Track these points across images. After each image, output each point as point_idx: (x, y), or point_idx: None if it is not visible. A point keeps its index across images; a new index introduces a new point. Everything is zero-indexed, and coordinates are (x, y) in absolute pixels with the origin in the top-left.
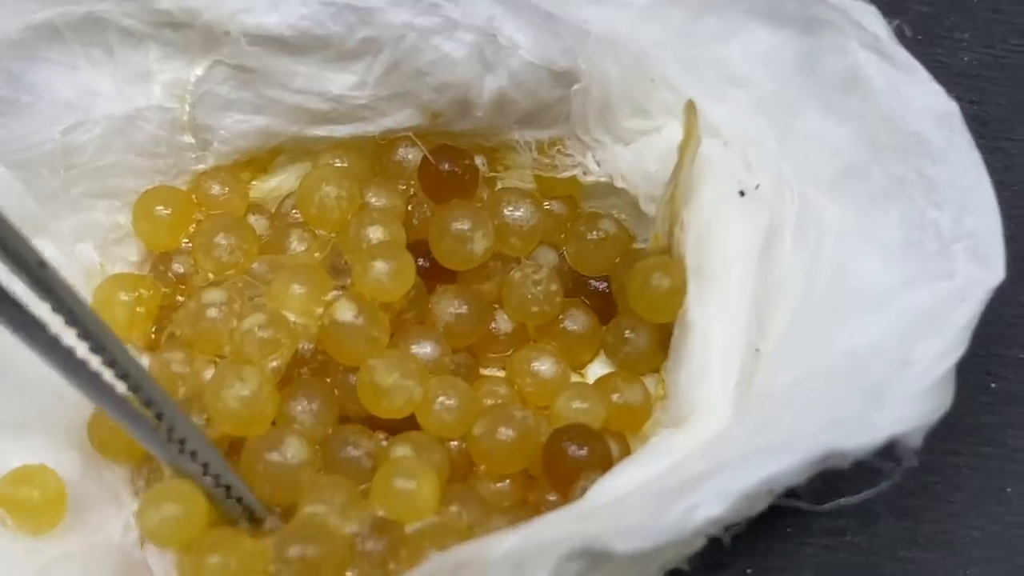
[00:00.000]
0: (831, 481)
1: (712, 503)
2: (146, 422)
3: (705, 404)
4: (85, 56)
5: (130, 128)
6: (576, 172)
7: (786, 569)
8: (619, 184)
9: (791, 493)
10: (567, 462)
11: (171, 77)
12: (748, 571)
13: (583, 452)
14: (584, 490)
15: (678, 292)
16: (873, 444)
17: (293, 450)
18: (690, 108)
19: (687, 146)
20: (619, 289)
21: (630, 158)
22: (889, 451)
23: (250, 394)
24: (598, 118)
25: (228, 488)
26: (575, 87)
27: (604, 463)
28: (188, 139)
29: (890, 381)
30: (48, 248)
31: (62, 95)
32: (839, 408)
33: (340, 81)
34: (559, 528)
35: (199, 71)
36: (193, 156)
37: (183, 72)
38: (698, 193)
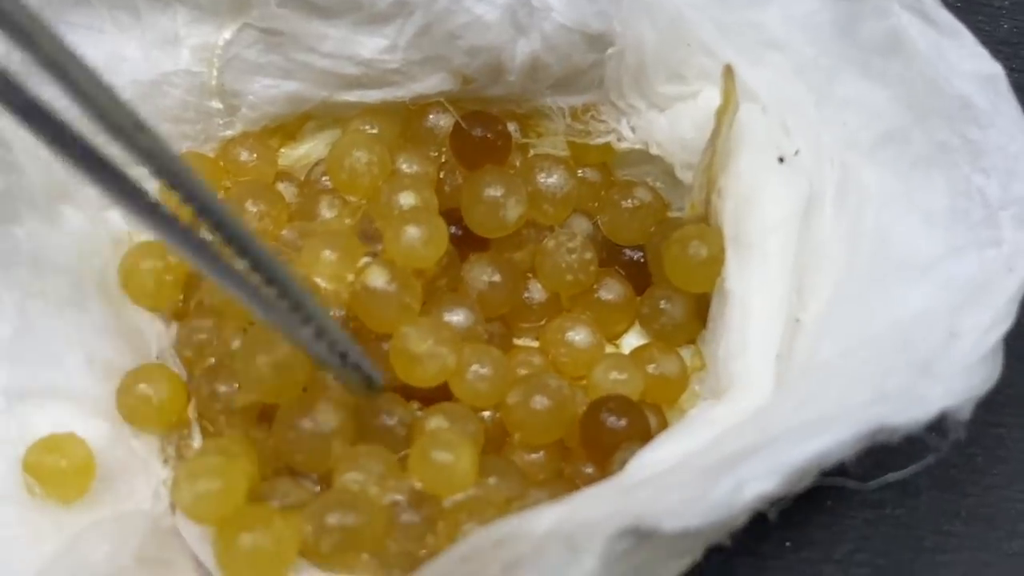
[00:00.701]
0: (875, 455)
1: (762, 479)
2: (249, 283)
3: (745, 376)
4: (111, 20)
5: (158, 93)
6: (610, 139)
7: (826, 542)
8: (654, 151)
9: (837, 470)
10: (605, 434)
11: (199, 41)
12: (787, 544)
13: (622, 423)
14: (624, 462)
15: (716, 261)
16: (924, 418)
17: (326, 416)
18: (728, 73)
19: (725, 112)
20: (654, 259)
21: (665, 125)
22: (935, 424)
23: (282, 359)
24: (633, 83)
25: (344, 355)
26: (609, 51)
27: (643, 435)
28: (216, 104)
29: (939, 354)
30: (75, 216)
31: (88, 60)
32: (887, 381)
33: (371, 44)
34: (604, 503)
35: (227, 35)
36: (221, 122)
37: (211, 36)
38: (736, 160)
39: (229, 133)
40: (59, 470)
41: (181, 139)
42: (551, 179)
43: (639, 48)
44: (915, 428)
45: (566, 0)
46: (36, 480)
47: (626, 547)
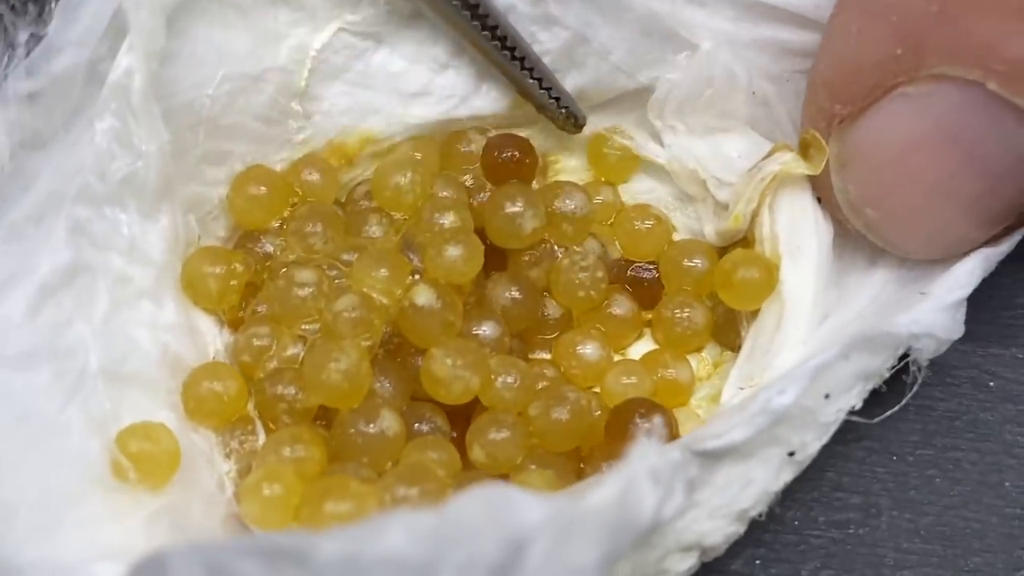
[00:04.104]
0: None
1: (783, 393)
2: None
3: (787, 366)
4: (221, 17)
5: (253, 89)
6: (632, 144)
7: (793, 559)
8: (691, 165)
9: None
10: (635, 433)
11: (296, 42)
12: (757, 562)
13: (648, 424)
14: None
15: (769, 284)
16: (899, 336)
17: (388, 422)
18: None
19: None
20: (669, 272)
21: (704, 147)
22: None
23: (352, 367)
24: (677, 111)
25: (557, 98)
26: (667, 76)
27: (670, 435)
28: (296, 107)
29: (910, 304)
30: (167, 214)
31: (199, 51)
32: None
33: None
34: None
35: (324, 37)
36: (296, 126)
37: (307, 37)
38: (788, 186)
39: (301, 137)
40: (153, 456)
41: (262, 140)
42: (572, 202)
43: (702, 82)
44: (893, 346)
45: (626, 48)
46: (133, 464)
47: (676, 465)
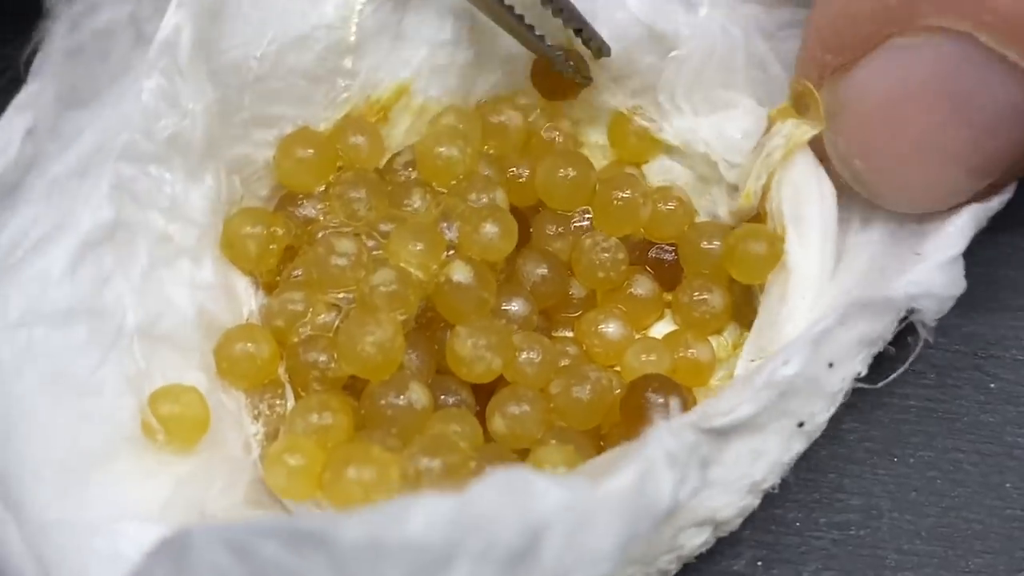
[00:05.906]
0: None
1: (789, 364)
2: None
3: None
4: None
5: (302, 47)
6: (652, 127)
7: (795, 561)
8: (700, 149)
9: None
10: (649, 410)
11: None
12: (759, 563)
13: (662, 400)
14: None
15: (774, 256)
16: (897, 299)
17: (417, 395)
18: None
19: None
20: (689, 254)
21: (708, 128)
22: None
23: (387, 340)
24: (687, 88)
25: (579, 30)
26: (673, 53)
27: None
28: (347, 63)
29: (906, 266)
30: (210, 174)
31: (245, 10)
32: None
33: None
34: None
35: None
36: (343, 84)
37: None
38: (795, 155)
39: (345, 95)
40: (182, 420)
41: (308, 101)
42: (623, 193)
43: (706, 56)
44: (891, 308)
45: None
46: (162, 426)
47: (691, 448)
